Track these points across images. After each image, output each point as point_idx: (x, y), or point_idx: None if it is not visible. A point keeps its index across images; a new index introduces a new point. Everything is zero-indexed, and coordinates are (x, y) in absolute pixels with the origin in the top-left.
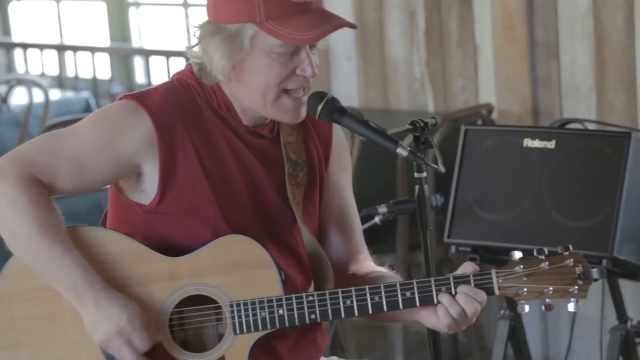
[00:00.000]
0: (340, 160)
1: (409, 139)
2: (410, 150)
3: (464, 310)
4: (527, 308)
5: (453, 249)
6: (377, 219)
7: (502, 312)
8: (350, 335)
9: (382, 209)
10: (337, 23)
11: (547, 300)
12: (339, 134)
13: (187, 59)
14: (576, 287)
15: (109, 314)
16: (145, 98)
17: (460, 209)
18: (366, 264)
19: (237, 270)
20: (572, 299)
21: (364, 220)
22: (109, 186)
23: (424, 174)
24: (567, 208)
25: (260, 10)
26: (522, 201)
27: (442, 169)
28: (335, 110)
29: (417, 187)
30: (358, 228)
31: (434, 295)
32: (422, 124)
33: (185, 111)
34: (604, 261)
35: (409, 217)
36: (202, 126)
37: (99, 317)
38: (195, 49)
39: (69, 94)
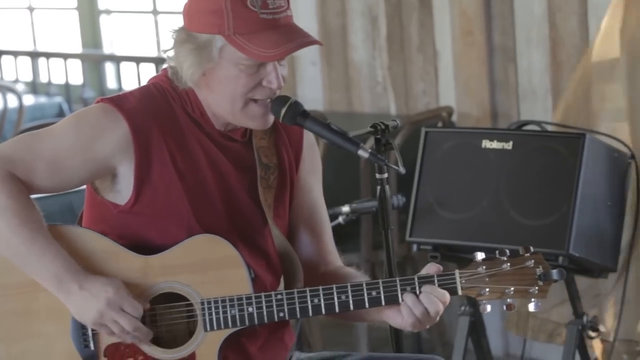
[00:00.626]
0: (311, 164)
1: (372, 141)
2: (371, 152)
3: (427, 310)
4: (489, 308)
5: (415, 247)
6: (340, 219)
7: (462, 308)
8: (316, 332)
9: (346, 209)
10: (302, 41)
11: (508, 300)
12: (310, 139)
13: (156, 65)
14: (536, 287)
15: (95, 291)
16: (122, 101)
17: (421, 209)
18: (335, 264)
19: (208, 269)
20: (532, 300)
21: None
22: (84, 187)
23: (385, 175)
24: (525, 207)
25: (229, 24)
26: (481, 200)
27: (402, 170)
28: (298, 114)
29: (378, 187)
30: (328, 230)
31: (399, 295)
32: (382, 127)
33: (161, 115)
34: (560, 258)
35: (372, 217)
36: (177, 129)
37: (86, 297)
38: (170, 52)
39: (43, 99)
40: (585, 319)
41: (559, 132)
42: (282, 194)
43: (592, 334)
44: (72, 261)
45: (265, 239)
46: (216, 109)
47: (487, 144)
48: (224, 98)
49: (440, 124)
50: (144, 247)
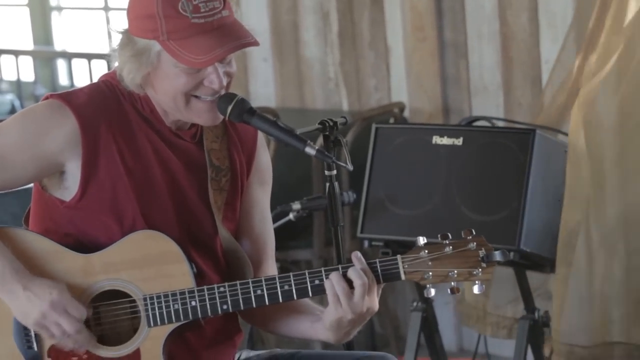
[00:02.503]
0: (261, 170)
1: (322, 139)
2: (318, 149)
3: (348, 288)
4: (433, 292)
5: (366, 243)
6: (291, 216)
7: (414, 304)
8: None
9: (296, 205)
10: (234, 45)
11: (452, 283)
12: (262, 144)
13: (108, 62)
14: (480, 269)
15: (39, 292)
16: (71, 97)
17: (372, 205)
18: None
19: (149, 265)
20: (476, 282)
21: (278, 217)
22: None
23: (334, 172)
24: (475, 203)
25: (162, 30)
26: (432, 196)
27: (350, 167)
28: (244, 111)
29: (327, 184)
30: (270, 241)
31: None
32: (331, 124)
33: (110, 111)
34: (512, 254)
35: (324, 213)
36: (126, 126)
37: (29, 298)
38: (115, 53)
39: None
40: (537, 314)
41: (508, 128)
42: (233, 197)
43: (545, 329)
44: (17, 262)
45: (214, 240)
46: (163, 106)
47: (437, 139)
48: (167, 96)
49: (392, 120)
50: (90, 245)
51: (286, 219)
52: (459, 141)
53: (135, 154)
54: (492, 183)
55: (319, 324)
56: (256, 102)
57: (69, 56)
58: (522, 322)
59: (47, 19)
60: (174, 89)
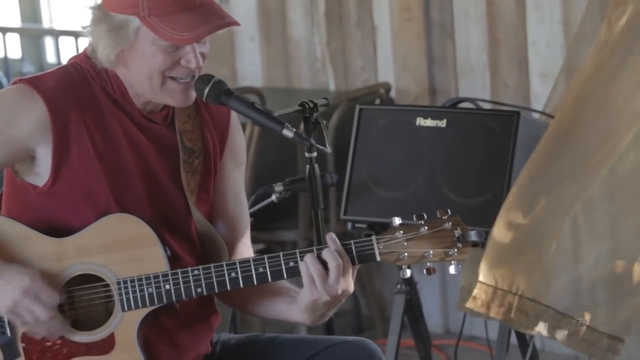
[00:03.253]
0: (235, 150)
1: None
2: (295, 132)
3: (323, 269)
4: (408, 272)
5: (349, 225)
6: (273, 197)
7: (398, 286)
8: None
9: (279, 187)
10: (218, 23)
11: (428, 264)
12: (235, 123)
13: (76, 40)
14: (455, 249)
15: (10, 279)
16: (39, 82)
17: (355, 187)
18: (247, 253)
19: (122, 249)
20: (452, 262)
21: (261, 198)
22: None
23: (314, 154)
24: (459, 185)
25: (143, 5)
26: (415, 179)
27: (328, 150)
28: (222, 93)
29: (307, 167)
30: (245, 220)
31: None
32: (311, 105)
33: (79, 95)
34: None
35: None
36: (96, 110)
37: (0, 285)
38: (88, 30)
39: None
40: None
41: (493, 110)
42: (206, 179)
43: None
44: None
45: (188, 223)
46: (136, 88)
47: (421, 121)
48: (142, 75)
49: (377, 101)
50: (63, 230)
51: (268, 200)
52: (442, 123)
53: (106, 138)
54: (476, 165)
55: (294, 305)
56: (243, 81)
57: (56, 34)
58: None
59: None
60: (149, 67)
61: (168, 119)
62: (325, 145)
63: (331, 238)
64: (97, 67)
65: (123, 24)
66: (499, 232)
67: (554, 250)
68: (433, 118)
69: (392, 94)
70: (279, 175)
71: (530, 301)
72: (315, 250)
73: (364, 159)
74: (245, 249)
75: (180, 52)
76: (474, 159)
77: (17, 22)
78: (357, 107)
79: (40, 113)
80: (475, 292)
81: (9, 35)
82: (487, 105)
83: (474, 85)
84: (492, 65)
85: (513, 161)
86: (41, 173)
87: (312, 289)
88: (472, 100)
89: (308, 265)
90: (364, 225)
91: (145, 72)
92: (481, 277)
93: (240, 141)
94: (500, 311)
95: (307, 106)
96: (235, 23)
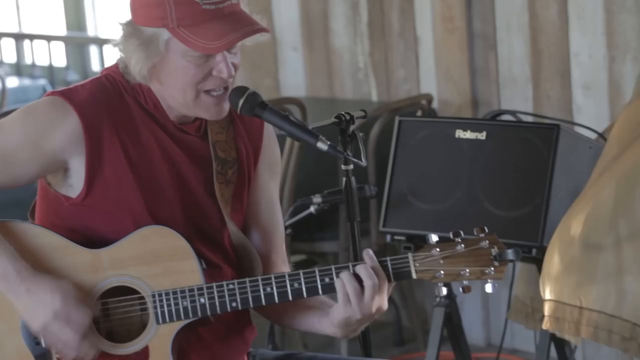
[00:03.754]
0: (270, 161)
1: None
2: (330, 144)
3: (359, 287)
4: (444, 290)
5: (388, 237)
6: (312, 209)
7: (437, 299)
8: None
9: (317, 199)
10: (247, 30)
11: (464, 282)
12: (270, 133)
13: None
14: (492, 268)
15: (42, 298)
16: (72, 94)
17: (394, 199)
18: (280, 266)
19: (158, 261)
20: (489, 281)
21: (299, 209)
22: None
23: (351, 166)
24: (498, 198)
25: (172, 17)
26: (455, 191)
27: (364, 162)
28: (256, 105)
29: (344, 179)
30: (280, 230)
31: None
32: (347, 117)
33: (113, 107)
34: (534, 250)
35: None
36: (130, 122)
37: (33, 303)
38: (119, 46)
39: (26, 82)
40: None
41: (533, 123)
42: (240, 189)
43: None
44: (19, 259)
45: (222, 234)
46: (169, 101)
47: (460, 133)
48: (175, 90)
49: (419, 112)
50: (97, 241)
51: (307, 212)
52: (482, 135)
53: (139, 150)
54: (516, 178)
55: (327, 319)
56: (286, 91)
57: (100, 42)
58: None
59: (80, 5)
60: (182, 81)
61: (201, 130)
62: (360, 158)
63: (368, 254)
64: (130, 81)
65: (153, 38)
66: (578, 251)
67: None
68: (473, 130)
69: (435, 105)
70: (319, 186)
71: (617, 319)
72: (351, 267)
73: (403, 171)
74: (280, 261)
75: (211, 62)
76: (514, 171)
77: (62, 31)
78: (397, 118)
79: (73, 125)
80: (558, 313)
81: (54, 43)
82: (528, 118)
83: (516, 97)
84: (535, 77)
85: (553, 174)
86: (74, 185)
87: (346, 306)
88: (513, 113)
89: (344, 282)
90: (403, 238)
91: (178, 86)
92: (565, 299)
93: (275, 151)
94: (589, 331)
95: (343, 118)
96: (265, 30)
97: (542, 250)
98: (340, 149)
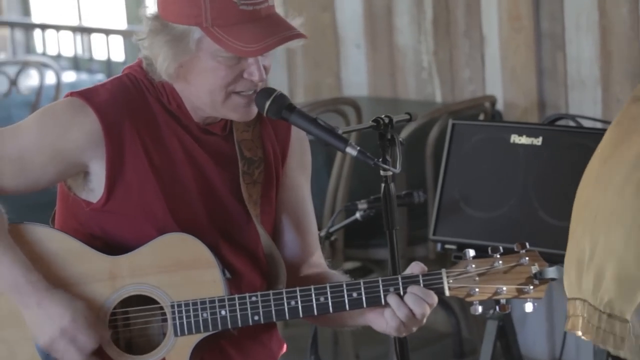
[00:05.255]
0: (299, 158)
1: (406, 131)
2: (359, 150)
3: (412, 312)
4: (480, 309)
5: (438, 246)
6: (357, 215)
7: (490, 312)
8: (348, 342)
9: (362, 204)
10: (284, 35)
11: (501, 300)
12: (299, 130)
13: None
14: (531, 287)
15: (52, 314)
16: (92, 95)
17: (446, 206)
18: (319, 267)
19: (179, 270)
20: (528, 300)
21: (344, 215)
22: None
23: (390, 172)
24: (554, 207)
25: (206, 15)
26: (509, 199)
27: (396, 170)
28: (283, 107)
29: (382, 185)
30: (314, 230)
31: (382, 296)
32: (386, 121)
33: (134, 108)
34: None
35: (407, 210)
36: (152, 123)
37: (42, 317)
38: (144, 42)
39: (84, 76)
40: None
41: (591, 129)
42: (268, 189)
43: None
44: (33, 269)
45: (251, 237)
46: (195, 102)
47: (516, 139)
48: (203, 91)
49: (481, 116)
50: (118, 247)
51: (352, 218)
52: (538, 141)
53: (162, 152)
54: (572, 186)
55: (381, 320)
56: (347, 90)
57: None
58: None
59: None
60: (211, 82)
61: (227, 129)
62: (395, 165)
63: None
64: (153, 79)
65: (184, 35)
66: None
67: None
68: (529, 135)
69: (499, 107)
70: (374, 191)
71: None
72: (401, 284)
73: (455, 176)
74: (317, 259)
75: (243, 64)
76: (571, 180)
77: (123, 25)
78: (450, 121)
79: (93, 127)
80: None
81: (112, 37)
82: (588, 123)
83: (585, 100)
84: (604, 79)
85: None
86: (95, 189)
87: (400, 328)
88: (572, 117)
89: (394, 309)
90: (454, 247)
91: (207, 87)
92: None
93: (304, 149)
94: None
95: (381, 122)
96: (303, 36)
97: None
98: (370, 155)
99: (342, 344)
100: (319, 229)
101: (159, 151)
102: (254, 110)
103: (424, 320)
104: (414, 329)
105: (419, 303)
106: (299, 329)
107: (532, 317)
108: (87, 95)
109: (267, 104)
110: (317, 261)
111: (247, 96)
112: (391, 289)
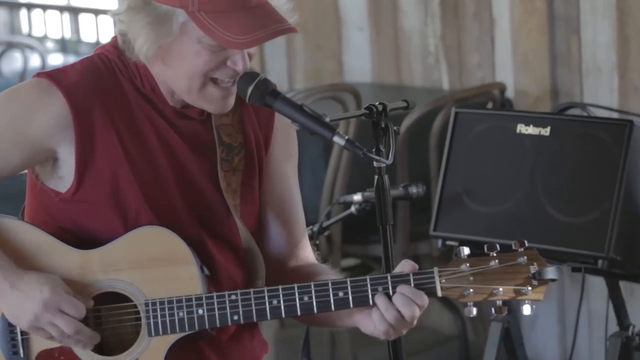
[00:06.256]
0: (284, 144)
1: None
2: (347, 139)
3: (401, 314)
4: (474, 311)
5: (439, 242)
6: (352, 209)
7: (494, 313)
8: (346, 345)
9: (357, 197)
10: (275, 29)
11: (498, 302)
12: (284, 118)
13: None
14: (529, 287)
15: (29, 291)
16: (60, 76)
17: (447, 200)
18: (307, 261)
19: (154, 266)
20: (526, 301)
21: (339, 209)
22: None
23: (383, 163)
24: (562, 202)
25: None
26: (514, 193)
27: (387, 161)
28: (267, 93)
29: (375, 177)
30: (300, 220)
31: (369, 296)
32: (379, 109)
33: (105, 90)
34: (600, 262)
35: (410, 204)
36: (124, 106)
37: (19, 298)
38: (121, 17)
39: (71, 59)
40: (631, 330)
41: (602, 118)
42: (249, 176)
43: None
44: (3, 257)
45: (231, 229)
46: (170, 85)
47: (522, 128)
48: (181, 75)
49: (490, 104)
50: (90, 241)
51: (347, 212)
52: (546, 131)
53: (135, 137)
54: (582, 180)
55: (369, 322)
56: (349, 76)
57: None
58: (612, 339)
59: None
60: (191, 67)
61: (205, 114)
62: (388, 156)
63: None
64: (126, 59)
65: (167, 16)
66: None
67: None
68: (536, 125)
69: (510, 94)
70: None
71: None
72: (390, 283)
73: (458, 168)
74: (303, 250)
75: (228, 52)
76: (581, 172)
77: (113, 5)
78: (453, 110)
79: (60, 109)
80: None
81: (101, 18)
82: (603, 113)
83: (601, 87)
84: (621, 66)
85: (624, 176)
86: (64, 176)
87: (388, 331)
88: (583, 106)
89: (382, 311)
90: (456, 243)
91: (185, 72)
92: None
93: (290, 132)
94: None
95: (375, 109)
96: (293, 30)
97: (609, 262)
98: (359, 145)
99: (339, 346)
100: (315, 223)
101: (132, 136)
102: (231, 102)
103: (414, 323)
104: (404, 332)
105: (408, 304)
106: (296, 330)
107: (543, 319)
108: (54, 76)
109: (250, 89)
110: (305, 254)
111: (225, 89)
112: (380, 288)
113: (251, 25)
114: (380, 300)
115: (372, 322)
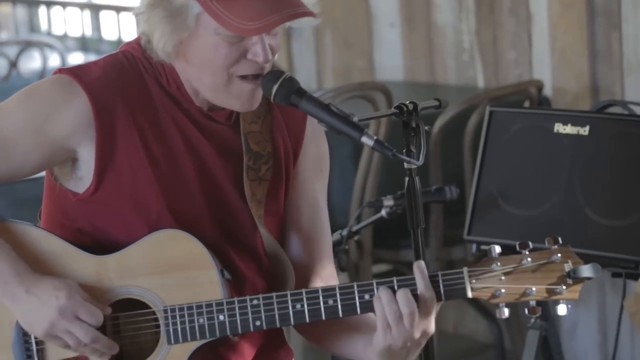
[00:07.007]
0: (315, 157)
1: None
2: (376, 139)
3: (400, 311)
4: (506, 312)
5: (473, 247)
6: (383, 212)
7: (532, 320)
8: None
9: (388, 201)
10: (290, 12)
11: (531, 302)
12: (315, 126)
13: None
14: (564, 286)
15: (45, 297)
16: (82, 72)
17: (482, 203)
18: (328, 280)
19: (172, 271)
20: (561, 301)
21: (371, 212)
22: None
23: (414, 165)
24: (601, 204)
25: None
26: (551, 195)
27: (418, 162)
28: (292, 92)
29: (406, 179)
30: (327, 238)
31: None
32: (410, 108)
33: (129, 88)
34: None
35: (443, 208)
36: (149, 106)
37: (34, 304)
38: (142, 16)
39: (92, 58)
40: None
41: None
42: (276, 187)
43: None
44: (19, 262)
45: (255, 238)
46: (196, 84)
47: (560, 128)
48: (204, 71)
49: (527, 102)
50: (108, 244)
51: (377, 215)
52: (584, 130)
53: (159, 139)
54: (622, 181)
55: (371, 347)
56: (381, 74)
57: None
58: None
59: None
60: (212, 61)
61: (232, 118)
62: (419, 157)
63: (419, 268)
64: (151, 57)
65: (182, 9)
66: None
67: None
68: (574, 124)
69: (548, 92)
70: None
71: None
72: (395, 284)
73: (493, 170)
74: (324, 270)
75: (246, 43)
76: (621, 173)
77: (136, 2)
78: (488, 109)
79: (81, 107)
80: None
81: (123, 15)
82: None
83: None
84: None
85: None
86: (83, 177)
87: (386, 332)
88: (623, 104)
89: (383, 304)
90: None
91: (207, 66)
92: None
93: (320, 145)
94: None
95: (405, 109)
96: (311, 13)
97: None
98: (388, 145)
99: None
100: (345, 227)
101: (155, 137)
102: (258, 99)
103: (417, 334)
104: (408, 344)
105: (408, 300)
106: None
107: (583, 326)
108: (77, 73)
109: (275, 88)
110: (328, 274)
111: (253, 82)
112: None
113: (263, 10)
114: (384, 293)
115: (378, 342)
